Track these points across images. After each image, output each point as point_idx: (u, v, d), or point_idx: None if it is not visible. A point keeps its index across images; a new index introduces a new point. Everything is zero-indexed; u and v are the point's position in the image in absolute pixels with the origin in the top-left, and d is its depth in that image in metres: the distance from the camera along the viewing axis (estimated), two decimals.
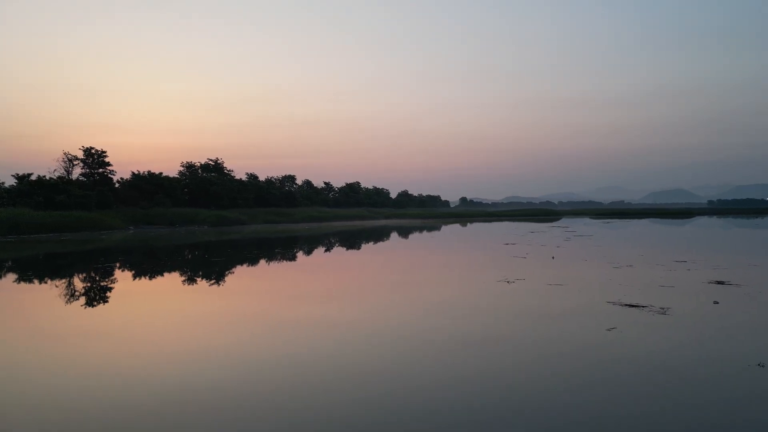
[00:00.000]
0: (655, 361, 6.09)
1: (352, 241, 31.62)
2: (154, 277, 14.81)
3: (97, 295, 11.40)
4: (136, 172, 60.12)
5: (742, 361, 6.05)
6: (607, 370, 5.83)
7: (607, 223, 55.94)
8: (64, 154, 53.74)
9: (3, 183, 46.89)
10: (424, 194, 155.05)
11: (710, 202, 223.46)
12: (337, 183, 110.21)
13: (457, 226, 52.34)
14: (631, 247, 23.33)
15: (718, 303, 9.41)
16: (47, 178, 49.04)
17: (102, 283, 13.33)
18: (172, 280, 14.12)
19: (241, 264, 17.64)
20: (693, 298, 9.98)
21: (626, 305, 9.29)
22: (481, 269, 15.30)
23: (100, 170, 55.31)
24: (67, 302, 10.43)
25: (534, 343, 6.88)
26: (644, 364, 6.00)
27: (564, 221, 64.10)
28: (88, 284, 13.25)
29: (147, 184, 58.21)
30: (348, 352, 6.58)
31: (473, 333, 7.42)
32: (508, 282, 12.26)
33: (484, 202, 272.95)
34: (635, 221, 60.34)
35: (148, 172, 60.73)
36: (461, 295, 10.78)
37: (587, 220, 68.93)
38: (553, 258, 17.77)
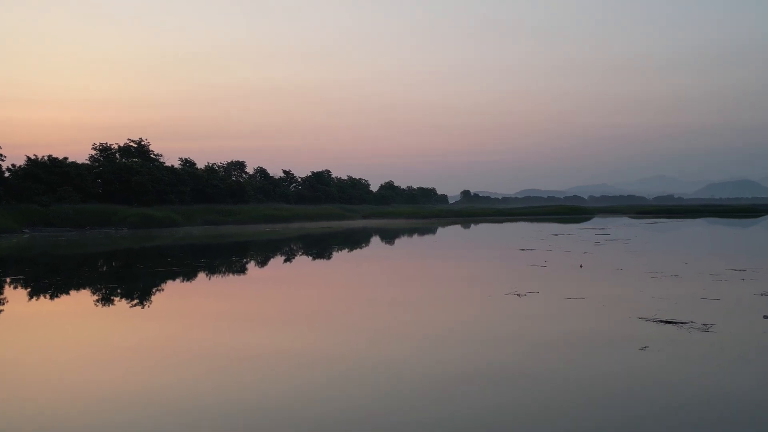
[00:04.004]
0: (688, 392, 6.65)
1: (320, 248, 31.92)
2: (60, 295, 15.01)
3: None
4: (33, 157, 59.67)
5: None
6: (628, 399, 6.38)
7: (652, 223, 57.15)
8: None
9: None
10: (414, 187, 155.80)
11: None
12: (301, 172, 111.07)
13: (457, 228, 53.02)
14: (678, 253, 24.12)
15: (767, 317, 10.10)
16: None
17: None
18: (86, 300, 14.40)
19: (174, 279, 17.92)
20: (741, 312, 10.69)
21: (661, 321, 9.88)
22: (488, 280, 15.85)
23: None
24: None
25: (540, 376, 7.40)
26: (676, 394, 6.55)
27: (596, 221, 65.26)
28: None
29: (47, 173, 57.81)
30: (320, 397, 6.57)
31: (470, 365, 7.92)
32: (518, 295, 12.81)
33: (492, 196, 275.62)
34: (687, 221, 61.69)
35: (49, 157, 60.32)
36: (459, 312, 11.32)
37: (626, 219, 70.23)
38: (581, 267, 18.42)
